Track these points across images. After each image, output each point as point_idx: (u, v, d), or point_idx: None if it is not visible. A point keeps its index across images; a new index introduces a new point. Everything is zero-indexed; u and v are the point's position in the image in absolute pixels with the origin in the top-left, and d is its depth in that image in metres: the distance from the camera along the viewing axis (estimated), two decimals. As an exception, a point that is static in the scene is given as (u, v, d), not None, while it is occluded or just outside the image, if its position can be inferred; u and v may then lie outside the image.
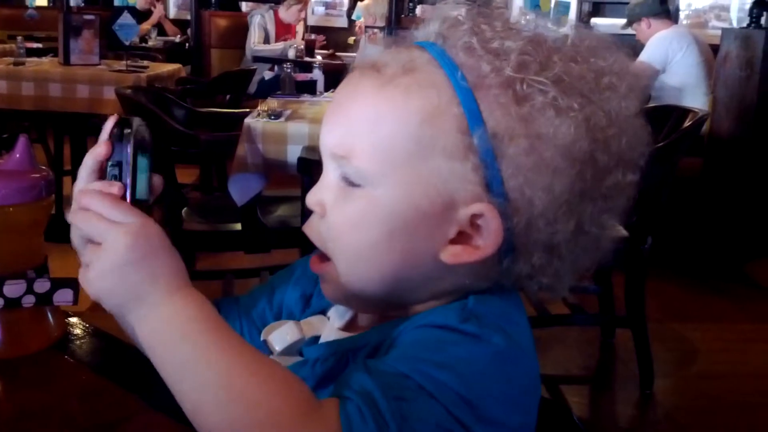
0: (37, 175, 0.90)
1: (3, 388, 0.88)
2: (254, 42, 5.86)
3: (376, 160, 0.66)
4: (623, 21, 4.71)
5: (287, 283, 0.85)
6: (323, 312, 0.80)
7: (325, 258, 0.71)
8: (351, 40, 7.15)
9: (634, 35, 4.79)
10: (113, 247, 0.61)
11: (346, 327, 0.77)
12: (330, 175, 0.70)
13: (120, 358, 0.92)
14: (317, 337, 0.77)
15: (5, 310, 0.88)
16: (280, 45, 5.86)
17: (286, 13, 5.94)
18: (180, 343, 0.59)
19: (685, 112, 2.95)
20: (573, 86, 0.65)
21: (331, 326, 0.78)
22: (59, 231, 0.94)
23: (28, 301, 0.89)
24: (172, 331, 0.60)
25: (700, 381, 2.90)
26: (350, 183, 0.68)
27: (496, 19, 0.68)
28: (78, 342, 0.95)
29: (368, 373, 0.60)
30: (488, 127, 0.63)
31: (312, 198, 0.71)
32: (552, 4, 3.99)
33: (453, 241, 0.66)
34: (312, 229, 0.72)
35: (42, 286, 0.89)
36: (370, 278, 0.69)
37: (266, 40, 5.94)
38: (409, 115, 0.65)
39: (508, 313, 0.68)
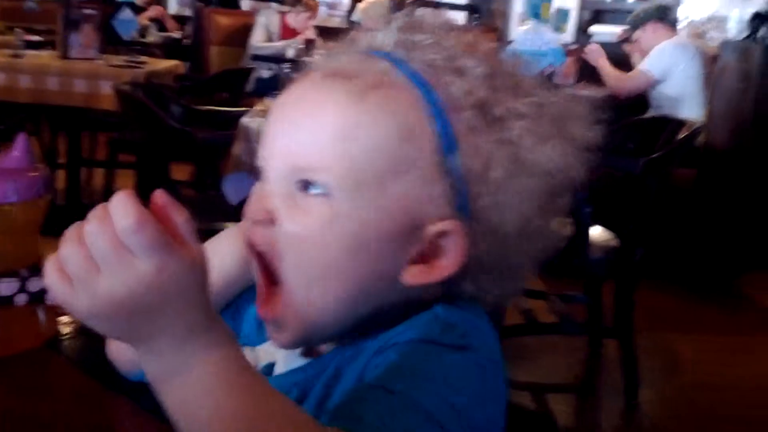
0: (35, 174, 0.90)
1: (-7, 386, 0.88)
2: (256, 41, 5.86)
3: (347, 175, 0.62)
4: (623, 29, 4.73)
5: (250, 306, 0.76)
6: None
7: (273, 285, 0.66)
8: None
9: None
10: (109, 290, 0.49)
11: (306, 352, 0.72)
12: (280, 181, 0.65)
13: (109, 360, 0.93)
14: (272, 364, 0.73)
15: (-3, 308, 0.89)
16: (280, 43, 5.86)
17: (295, 20, 5.94)
18: (194, 403, 0.52)
19: (680, 123, 2.96)
20: (550, 113, 0.66)
21: (288, 351, 0.73)
22: (55, 225, 0.94)
23: (21, 299, 0.89)
24: (190, 388, 0.52)
25: (686, 392, 2.91)
26: (307, 190, 0.63)
27: (452, 36, 0.68)
28: (68, 341, 0.96)
29: (376, 403, 0.56)
30: (462, 150, 0.63)
31: (255, 206, 0.65)
32: (552, 12, 3.99)
33: (413, 262, 0.65)
34: (258, 238, 0.65)
35: (35, 284, 0.90)
36: (329, 303, 0.65)
37: (270, 41, 5.94)
38: (387, 132, 0.63)
39: (474, 321, 0.66)
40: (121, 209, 0.49)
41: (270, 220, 0.65)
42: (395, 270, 0.65)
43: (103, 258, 0.49)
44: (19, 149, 0.91)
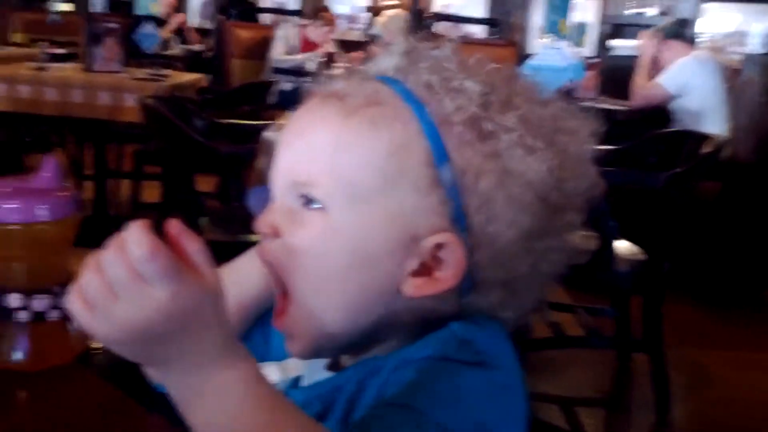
0: (65, 194, 0.92)
1: (26, 401, 0.89)
2: (276, 54, 5.90)
3: (339, 190, 0.65)
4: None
5: None
6: None
7: (284, 299, 0.68)
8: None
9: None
10: (125, 317, 0.51)
11: (331, 365, 0.74)
12: (284, 199, 0.68)
13: (141, 374, 0.93)
14: (298, 378, 0.75)
15: (31, 323, 0.90)
16: (301, 56, 5.90)
17: (314, 33, 5.98)
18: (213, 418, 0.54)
19: (702, 137, 2.94)
20: (537, 126, 0.66)
21: (314, 365, 0.74)
22: (83, 236, 0.96)
23: (53, 315, 0.90)
24: (209, 406, 0.54)
25: (715, 407, 2.88)
26: (308, 205, 0.66)
27: (454, 59, 0.69)
28: (99, 356, 0.96)
29: (394, 421, 0.57)
30: (454, 163, 0.64)
31: (262, 221, 0.68)
32: (571, 26, 4.00)
33: (414, 274, 0.66)
34: (267, 251, 0.69)
35: (68, 300, 0.90)
36: (331, 313, 0.67)
37: (290, 54, 5.98)
38: (376, 146, 0.65)
39: (492, 338, 0.67)
40: (135, 239, 0.51)
41: (274, 234, 0.67)
42: (396, 282, 0.66)
43: (120, 286, 0.51)
44: (49, 170, 0.93)
